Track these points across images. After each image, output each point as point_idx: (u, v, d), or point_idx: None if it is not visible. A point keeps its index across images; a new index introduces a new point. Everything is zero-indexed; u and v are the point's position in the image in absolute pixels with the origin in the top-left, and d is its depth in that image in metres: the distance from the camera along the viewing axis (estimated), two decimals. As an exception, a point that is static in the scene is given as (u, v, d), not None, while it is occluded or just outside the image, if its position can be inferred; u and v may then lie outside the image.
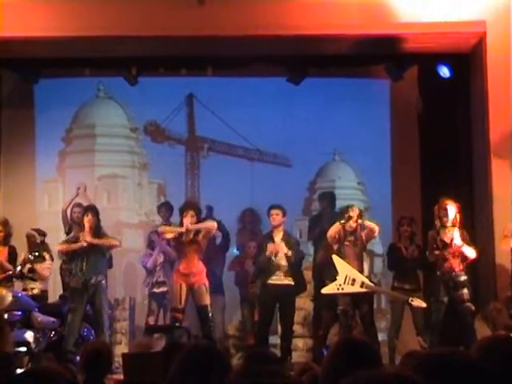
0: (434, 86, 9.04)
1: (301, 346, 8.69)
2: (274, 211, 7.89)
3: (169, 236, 7.93)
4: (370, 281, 7.57)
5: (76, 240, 7.75)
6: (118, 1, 8.03)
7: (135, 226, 9.86)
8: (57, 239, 8.48)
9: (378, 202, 8.84)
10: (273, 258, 7.72)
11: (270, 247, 7.74)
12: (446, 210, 7.53)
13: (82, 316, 7.65)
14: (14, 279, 8.00)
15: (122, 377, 6.00)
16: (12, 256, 8.16)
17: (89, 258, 7.68)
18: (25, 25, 8.03)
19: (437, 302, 7.49)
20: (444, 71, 8.88)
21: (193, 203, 8.54)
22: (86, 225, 7.68)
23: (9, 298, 7.59)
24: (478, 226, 8.36)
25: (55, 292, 8.46)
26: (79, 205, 8.46)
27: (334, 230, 7.50)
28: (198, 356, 2.46)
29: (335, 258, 7.45)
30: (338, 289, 7.40)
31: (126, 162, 10.21)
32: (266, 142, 9.90)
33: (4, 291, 7.67)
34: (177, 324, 7.67)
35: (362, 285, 7.40)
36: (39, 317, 7.71)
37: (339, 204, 8.87)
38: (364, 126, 9.62)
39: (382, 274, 9.35)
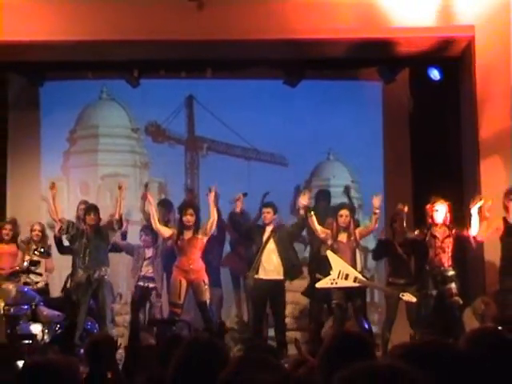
0: (425, 88, 9.06)
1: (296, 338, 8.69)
2: (265, 209, 7.94)
3: (166, 235, 7.91)
4: (363, 276, 7.61)
5: (82, 234, 7.76)
6: (119, 6, 8.02)
7: (137, 222, 9.85)
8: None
9: (370, 200, 8.79)
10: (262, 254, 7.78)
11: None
12: (436, 208, 7.56)
13: (86, 310, 7.66)
14: (21, 274, 8.01)
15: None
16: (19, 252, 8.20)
17: (91, 252, 7.69)
18: (31, 30, 8.03)
19: (426, 296, 7.52)
20: (434, 74, 8.89)
21: (191, 202, 8.54)
22: (90, 223, 7.72)
23: (13, 292, 7.60)
24: (467, 223, 8.37)
25: (60, 287, 8.44)
26: (85, 202, 8.50)
27: (322, 229, 7.62)
28: (198, 349, 2.45)
29: (329, 253, 7.48)
30: (331, 283, 7.44)
31: (127, 162, 10.20)
32: (263, 141, 9.90)
33: (10, 286, 7.69)
34: (176, 318, 7.68)
35: (355, 279, 7.43)
36: (44, 311, 7.73)
37: (333, 202, 8.91)
38: (357, 126, 9.62)
39: (375, 269, 9.37)
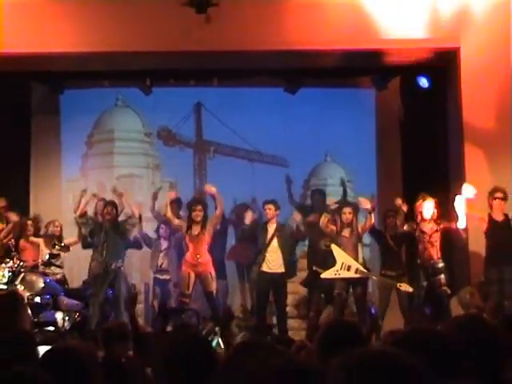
0: (415, 95, 9.05)
1: (296, 325, 8.71)
2: (267, 206, 7.96)
3: (175, 223, 7.94)
4: (364, 267, 7.64)
5: (100, 229, 7.78)
6: (133, 21, 8.03)
7: (149, 218, 9.85)
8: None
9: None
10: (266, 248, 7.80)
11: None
12: (425, 205, 7.57)
13: (102, 299, 7.67)
14: (43, 266, 8.03)
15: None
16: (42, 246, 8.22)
17: (109, 246, 7.70)
18: (52, 42, 8.05)
19: (417, 287, 7.54)
20: (423, 82, 8.89)
21: (200, 199, 8.56)
22: (107, 216, 7.74)
23: (40, 283, 7.61)
24: (453, 218, 8.36)
25: (79, 278, 8.46)
26: (102, 199, 8.51)
27: (323, 221, 7.65)
28: (183, 343, 2.31)
29: (334, 247, 7.56)
30: (335, 274, 7.51)
31: (141, 163, 10.20)
32: (265, 144, 9.89)
33: (35, 277, 7.70)
34: (185, 307, 7.70)
35: (357, 271, 7.50)
36: (65, 300, 7.74)
37: (329, 200, 8.91)
38: (352, 130, 9.62)
39: (369, 261, 9.34)
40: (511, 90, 8.00)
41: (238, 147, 10.00)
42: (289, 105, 9.50)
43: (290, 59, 8.56)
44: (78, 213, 8.06)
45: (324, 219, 7.70)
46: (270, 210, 7.91)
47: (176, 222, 8.00)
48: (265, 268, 7.79)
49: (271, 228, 7.90)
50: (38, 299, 7.47)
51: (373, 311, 7.59)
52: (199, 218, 7.78)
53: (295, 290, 8.76)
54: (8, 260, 7.61)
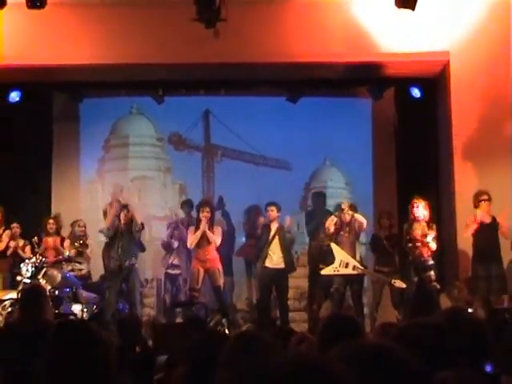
0: (408, 105, 9.06)
1: (297, 318, 8.73)
2: (269, 207, 7.96)
3: (193, 243, 7.90)
4: (361, 265, 7.64)
5: (117, 229, 7.78)
6: (147, 35, 8.07)
7: (161, 218, 9.89)
8: (96, 229, 8.56)
9: (361, 199, 8.83)
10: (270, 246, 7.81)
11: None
12: (417, 206, 7.58)
13: (117, 293, 7.70)
14: (64, 262, 8.08)
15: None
16: (63, 244, 8.25)
17: (123, 244, 7.73)
18: (72, 55, 8.10)
19: (409, 282, 7.54)
20: (416, 92, 8.90)
21: (208, 201, 8.59)
22: (123, 219, 7.76)
23: (59, 277, 7.66)
24: (443, 218, 8.39)
25: (98, 273, 8.50)
26: (118, 201, 8.53)
27: (329, 222, 7.62)
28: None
29: (333, 245, 7.54)
30: (334, 271, 7.50)
31: (153, 167, 10.24)
32: (269, 149, 9.92)
33: (55, 271, 7.75)
34: (195, 301, 7.73)
35: (354, 268, 7.48)
36: (83, 293, 7.78)
37: (329, 201, 8.93)
38: (350, 137, 9.63)
39: (364, 259, 9.36)
40: (498, 101, 8.03)
41: (244, 151, 10.02)
42: (290, 113, 9.52)
43: (292, 71, 8.58)
44: (108, 224, 7.93)
45: (331, 221, 7.67)
46: (273, 212, 7.93)
47: (191, 240, 7.93)
48: (268, 264, 7.80)
49: (273, 227, 7.93)
50: (58, 292, 7.52)
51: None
52: (207, 219, 7.82)
53: (296, 284, 8.78)
54: (32, 256, 7.68)
